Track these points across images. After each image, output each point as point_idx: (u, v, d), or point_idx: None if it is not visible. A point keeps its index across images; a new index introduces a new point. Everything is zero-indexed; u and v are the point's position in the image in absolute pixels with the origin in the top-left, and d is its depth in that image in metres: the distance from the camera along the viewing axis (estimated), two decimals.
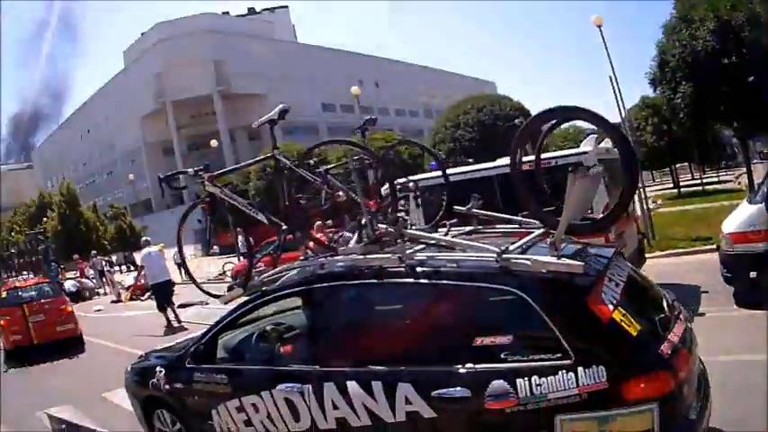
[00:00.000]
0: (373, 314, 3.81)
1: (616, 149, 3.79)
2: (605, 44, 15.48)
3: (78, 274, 26.79)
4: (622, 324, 2.87)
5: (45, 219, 52.19)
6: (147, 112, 60.58)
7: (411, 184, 4.98)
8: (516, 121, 22.02)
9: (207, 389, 4.14)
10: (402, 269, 3.42)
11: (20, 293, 12.91)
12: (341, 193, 4.04)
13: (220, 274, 21.33)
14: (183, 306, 13.10)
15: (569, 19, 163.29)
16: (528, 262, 3.06)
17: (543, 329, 2.91)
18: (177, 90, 57.19)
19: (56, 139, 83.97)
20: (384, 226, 3.79)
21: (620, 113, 15.69)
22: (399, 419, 3.16)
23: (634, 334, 2.87)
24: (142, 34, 65.12)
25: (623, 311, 2.93)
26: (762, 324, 5.34)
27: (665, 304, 3.43)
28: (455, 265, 3.34)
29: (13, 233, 59.74)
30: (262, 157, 5.71)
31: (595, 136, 7.59)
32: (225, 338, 4.38)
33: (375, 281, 3.54)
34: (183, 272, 15.92)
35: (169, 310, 11.99)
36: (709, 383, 3.33)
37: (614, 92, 15.25)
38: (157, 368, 4.57)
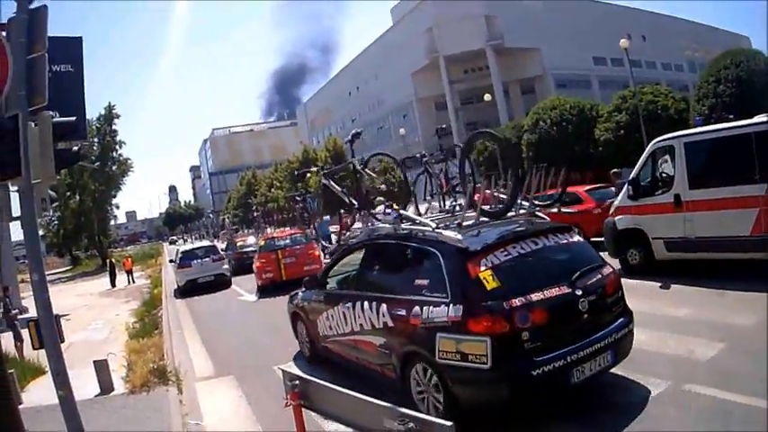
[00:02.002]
0: (377, 261, 8.57)
1: None
2: None
3: (339, 228, 40.94)
4: (483, 281, 6.14)
5: (309, 174, 71.37)
6: (418, 67, 78.82)
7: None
8: None
9: (315, 305, 9.62)
10: (392, 235, 8.02)
11: (276, 242, 22.72)
12: (383, 186, 11.42)
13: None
14: None
15: None
16: (439, 235, 6.91)
17: (441, 278, 6.54)
18: (449, 45, 73.79)
19: (322, 97, 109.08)
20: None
21: None
22: (379, 326, 7.42)
23: (488, 289, 6.11)
24: None
25: (492, 273, 6.19)
26: None
27: (558, 273, 6.63)
28: (416, 234, 7.47)
29: (273, 189, 78.97)
30: (345, 164, 11.76)
31: None
32: (330, 274, 9.71)
33: (381, 242, 8.30)
34: None
35: None
36: (606, 340, 6.48)
37: None
38: (298, 292, 10.53)
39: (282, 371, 5.01)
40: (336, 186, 11.11)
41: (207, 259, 25.89)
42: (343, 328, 8.55)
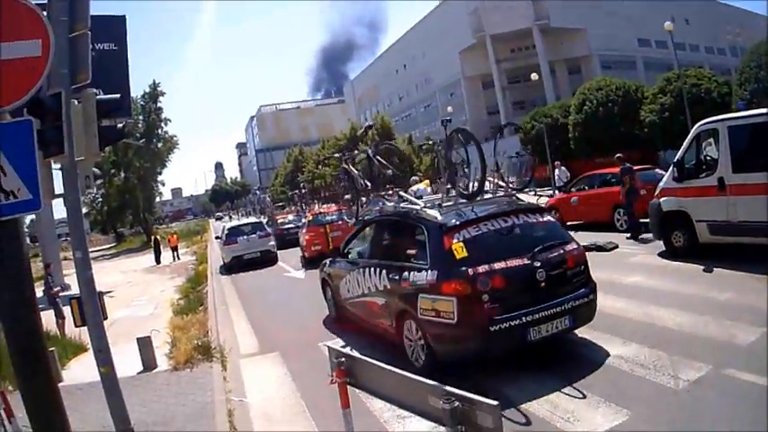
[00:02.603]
0: (382, 235, 10.09)
1: None
2: None
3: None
4: (455, 252, 7.48)
5: (356, 151, 72.57)
6: (465, 46, 78.14)
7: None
8: None
9: (338, 272, 11.38)
10: (393, 213, 9.77)
11: (323, 217, 24.36)
12: (390, 171, 11.61)
13: None
14: None
15: None
16: (424, 213, 8.47)
17: (424, 248, 8.06)
18: (495, 25, 73.11)
19: (369, 74, 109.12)
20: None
21: None
22: (381, 288, 9.04)
23: (457, 258, 7.43)
24: None
25: (463, 245, 7.53)
26: None
27: (521, 246, 7.78)
28: (410, 212, 8.99)
29: (320, 166, 76.70)
30: (360, 151, 13.82)
31: None
32: (350, 246, 11.35)
33: (385, 218, 10.04)
34: None
35: None
36: (564, 306, 7.53)
37: None
38: (326, 261, 12.34)
39: (328, 348, 5.06)
40: (354, 170, 12.72)
41: (253, 236, 25.88)
42: (356, 291, 10.22)
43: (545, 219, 8.72)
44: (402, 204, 9.87)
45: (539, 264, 7.63)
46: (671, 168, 13.21)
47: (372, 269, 9.46)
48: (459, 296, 7.35)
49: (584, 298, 7.94)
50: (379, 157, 11.90)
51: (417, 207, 9.05)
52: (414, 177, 26.63)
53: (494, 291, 7.35)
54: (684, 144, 12.89)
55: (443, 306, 7.51)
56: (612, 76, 43.46)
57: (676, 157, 13.03)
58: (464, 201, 9.14)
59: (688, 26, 72.89)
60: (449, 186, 10.09)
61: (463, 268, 7.46)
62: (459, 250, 7.67)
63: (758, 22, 74.85)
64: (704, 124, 12.52)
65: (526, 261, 7.64)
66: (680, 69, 34.07)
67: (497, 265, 7.47)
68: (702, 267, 11.60)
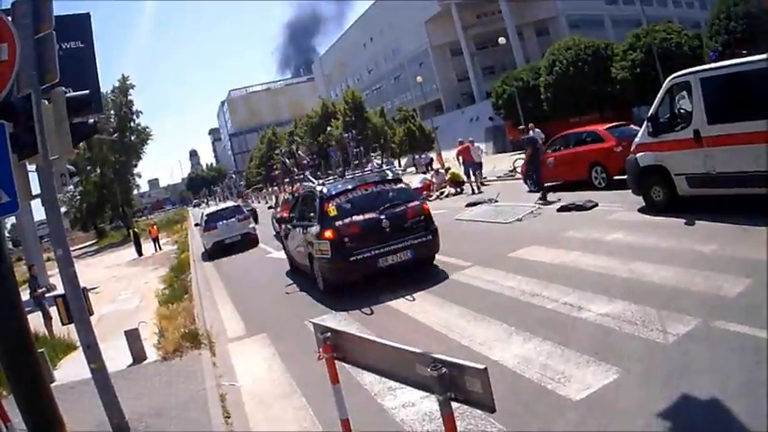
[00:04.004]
0: (303, 205, 14.03)
1: None
2: None
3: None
4: (329, 212, 11.65)
5: (329, 127, 68.59)
6: (431, 15, 79.49)
7: None
8: None
9: (286, 232, 15.42)
10: (309, 188, 14.01)
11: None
12: (306, 161, 21.04)
13: (510, 171, 29.13)
14: (470, 205, 20.74)
15: None
16: (316, 189, 12.87)
17: (316, 211, 12.24)
18: None
19: (336, 50, 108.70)
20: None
21: None
22: (301, 240, 13.44)
23: (330, 215, 11.61)
24: None
25: (335, 207, 11.67)
26: None
27: (374, 206, 11.63)
28: (313, 188, 13.38)
29: (293, 144, 76.71)
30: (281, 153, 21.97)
31: None
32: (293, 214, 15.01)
33: (306, 193, 14.39)
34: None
35: None
36: (404, 244, 11.37)
37: None
38: (281, 225, 16.39)
39: (314, 324, 5.04)
40: (287, 162, 18.49)
41: (232, 219, 25.96)
42: (294, 244, 14.43)
43: (397, 186, 12.54)
44: (309, 184, 14.81)
45: (384, 216, 11.51)
46: (645, 123, 13.16)
47: (299, 228, 13.65)
48: (330, 240, 11.46)
49: (422, 238, 11.68)
50: (300, 153, 17.74)
51: (315, 185, 13.39)
52: (374, 154, 32.19)
53: (352, 235, 11.43)
54: (657, 98, 12.81)
55: (323, 247, 11.65)
56: (581, 36, 43.81)
57: (650, 112, 12.97)
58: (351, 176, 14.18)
59: None
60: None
61: (334, 222, 11.58)
62: (332, 210, 11.78)
63: None
64: (676, 77, 12.45)
65: (375, 215, 11.56)
66: (648, 25, 34.11)
67: (356, 218, 11.58)
68: (684, 221, 11.62)
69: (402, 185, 12.72)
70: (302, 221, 13.43)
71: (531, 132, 28.73)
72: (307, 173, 22.31)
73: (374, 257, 11.28)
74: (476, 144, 27.79)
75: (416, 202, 12.16)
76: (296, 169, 25.15)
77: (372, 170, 15.88)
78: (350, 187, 12.24)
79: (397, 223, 11.50)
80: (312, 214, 12.52)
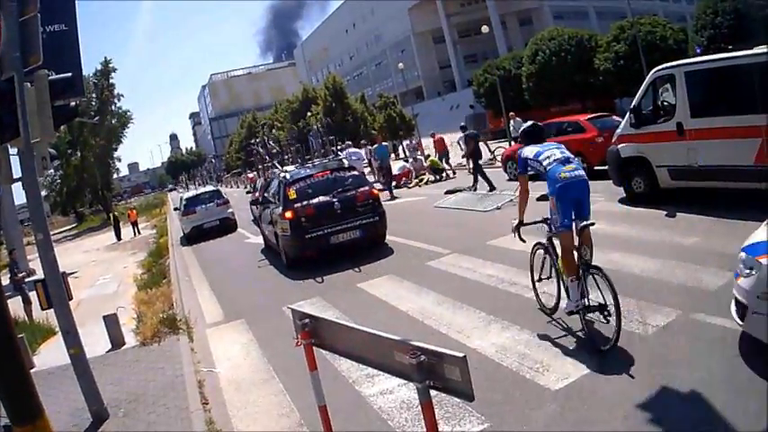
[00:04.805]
0: (271, 188, 16.22)
1: None
2: None
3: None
4: (289, 194, 13.35)
5: (309, 113, 67.71)
6: (415, 2, 79.91)
7: None
8: None
9: (258, 212, 17.87)
10: (277, 175, 16.24)
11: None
12: (275, 151, 22.93)
13: (490, 159, 28.19)
14: (449, 192, 20.94)
15: None
16: (281, 175, 15.10)
17: (280, 194, 14.06)
18: None
19: (318, 36, 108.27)
20: None
21: None
22: (269, 219, 15.33)
23: (290, 198, 13.30)
24: None
25: (294, 191, 13.43)
26: None
27: (328, 190, 13.43)
28: (278, 174, 15.86)
29: (274, 130, 77.35)
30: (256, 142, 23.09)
31: None
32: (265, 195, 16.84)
33: (274, 178, 16.64)
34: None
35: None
36: (354, 224, 13.13)
37: None
38: (255, 207, 20.53)
39: (292, 310, 4.97)
40: (261, 151, 20.62)
41: (211, 204, 25.82)
42: (265, 223, 16.04)
43: (351, 173, 14.43)
44: (276, 171, 18.07)
45: (336, 199, 13.18)
46: (628, 115, 13.20)
47: (268, 209, 15.36)
48: (290, 219, 13.06)
49: (369, 219, 13.28)
50: (271, 143, 19.85)
51: (280, 172, 15.83)
52: (348, 142, 32.74)
53: (308, 216, 13.01)
54: (640, 90, 12.88)
55: (284, 225, 13.28)
56: (565, 26, 43.91)
57: (633, 104, 13.02)
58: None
59: None
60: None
61: (293, 204, 13.16)
62: (292, 194, 13.40)
63: None
64: (660, 70, 12.51)
65: (329, 198, 13.23)
66: (633, 17, 34.10)
67: (312, 201, 13.20)
68: (665, 213, 11.68)
69: (354, 173, 14.77)
70: (270, 204, 15.18)
71: (511, 122, 28.87)
72: (275, 161, 25.04)
73: (327, 235, 12.92)
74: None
75: (366, 188, 13.83)
76: (268, 157, 27.35)
77: (330, 159, 18.99)
78: (309, 174, 14.23)
79: (348, 206, 13.19)
80: (277, 197, 14.20)
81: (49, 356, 10.33)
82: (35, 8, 6.13)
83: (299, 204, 13.12)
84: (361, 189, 13.60)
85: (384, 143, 29.51)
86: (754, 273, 5.41)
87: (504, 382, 6.05)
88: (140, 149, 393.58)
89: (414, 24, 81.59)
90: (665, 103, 12.50)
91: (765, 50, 10.39)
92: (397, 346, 3.70)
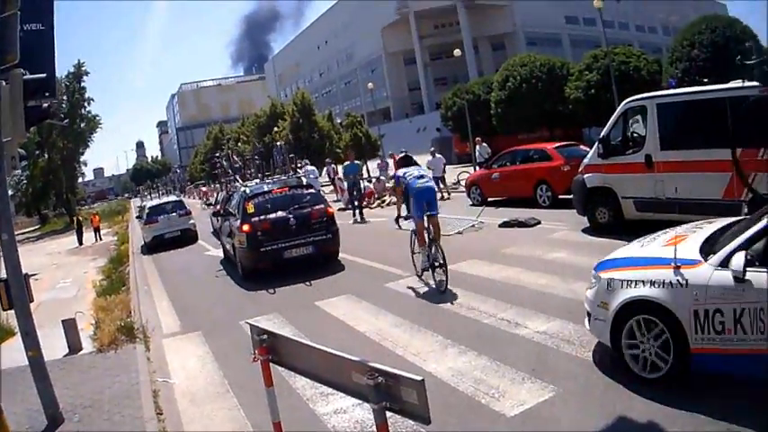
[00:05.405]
0: (232, 201, 17.64)
1: None
2: None
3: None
4: (247, 209, 13.86)
5: (276, 128, 66.23)
6: (388, 22, 79.95)
7: None
8: (746, 44, 26.43)
9: (219, 225, 18.53)
10: (238, 189, 17.53)
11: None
12: (237, 166, 27.02)
13: (454, 183, 28.86)
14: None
15: None
16: (242, 189, 16.14)
17: (239, 208, 14.74)
18: (419, 1, 76.11)
19: (290, 50, 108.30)
20: None
21: None
22: (228, 231, 15.91)
23: (249, 212, 13.80)
24: None
25: (252, 205, 13.95)
26: None
27: (285, 206, 13.92)
28: (239, 188, 17.65)
29: (239, 143, 75.23)
30: (221, 155, 24.43)
31: None
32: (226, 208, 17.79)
33: (235, 192, 18.65)
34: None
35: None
36: (307, 240, 13.50)
37: None
38: (216, 219, 20.72)
39: (250, 325, 4.93)
40: (225, 164, 21.49)
41: (173, 214, 25.59)
42: (225, 235, 16.61)
43: (309, 191, 14.98)
44: (237, 185, 18.94)
45: (291, 216, 13.61)
46: (596, 145, 13.31)
47: (228, 221, 15.89)
48: (247, 233, 13.48)
49: (322, 236, 13.70)
50: (234, 157, 19.52)
51: (241, 186, 17.25)
52: (306, 160, 33.35)
53: (264, 230, 13.43)
54: (611, 121, 13.03)
55: (242, 238, 13.69)
56: (538, 53, 44.11)
57: (602, 134, 13.16)
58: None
59: (619, 4, 74.24)
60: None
61: (251, 218, 13.62)
62: (250, 208, 13.86)
63: (693, 2, 76.88)
64: (632, 101, 12.68)
65: (285, 214, 13.67)
66: (608, 47, 34.42)
67: (269, 216, 13.66)
68: (627, 243, 11.68)
69: (312, 190, 15.42)
70: (231, 216, 15.68)
71: (477, 147, 28.88)
72: (237, 176, 26.28)
73: (280, 249, 13.36)
74: (437, 155, 27.06)
75: (321, 206, 14.30)
76: (230, 171, 28.41)
77: (290, 176, 19.14)
78: (269, 189, 14.72)
79: (303, 222, 13.66)
80: (237, 210, 14.78)
81: (8, 357, 10.02)
82: (15, 5, 6.11)
83: (256, 218, 13.62)
84: (317, 207, 14.14)
85: (357, 161, 28.95)
86: (595, 285, 6.47)
87: (460, 407, 6.02)
88: (106, 155, 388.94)
89: (386, 44, 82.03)
90: (635, 135, 12.67)
91: (739, 85, 10.62)
92: (354, 366, 3.71)
